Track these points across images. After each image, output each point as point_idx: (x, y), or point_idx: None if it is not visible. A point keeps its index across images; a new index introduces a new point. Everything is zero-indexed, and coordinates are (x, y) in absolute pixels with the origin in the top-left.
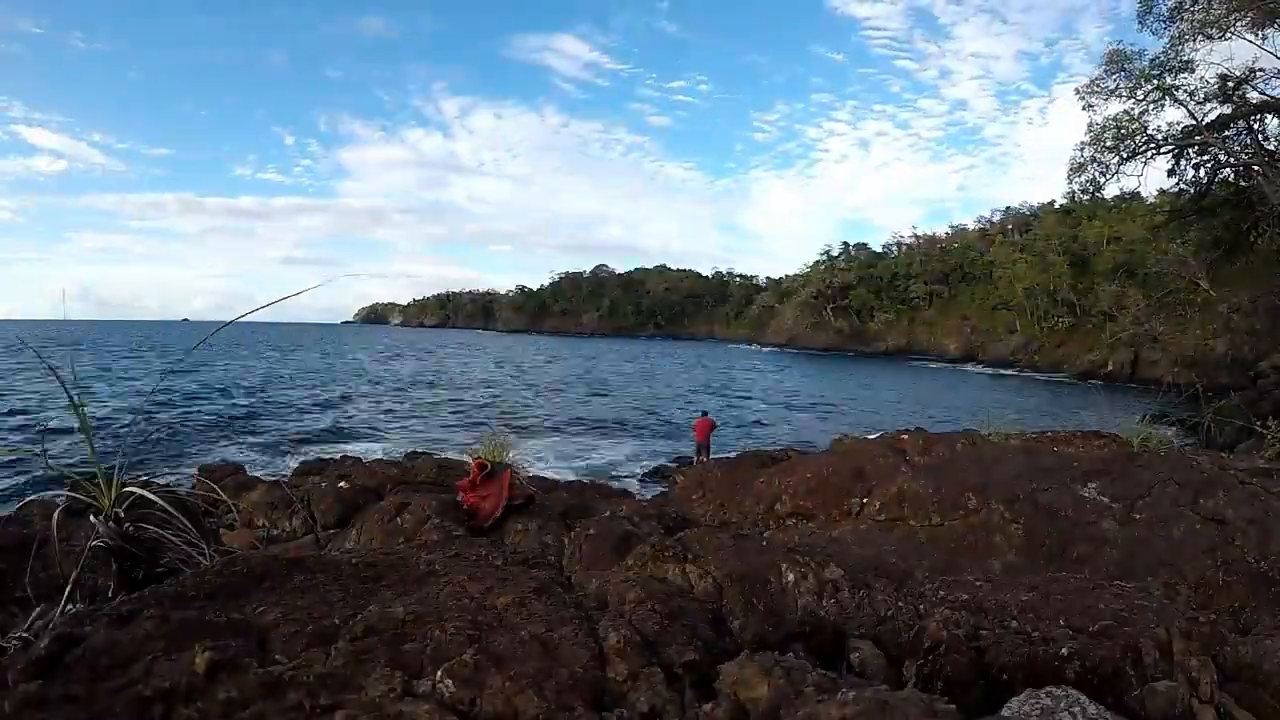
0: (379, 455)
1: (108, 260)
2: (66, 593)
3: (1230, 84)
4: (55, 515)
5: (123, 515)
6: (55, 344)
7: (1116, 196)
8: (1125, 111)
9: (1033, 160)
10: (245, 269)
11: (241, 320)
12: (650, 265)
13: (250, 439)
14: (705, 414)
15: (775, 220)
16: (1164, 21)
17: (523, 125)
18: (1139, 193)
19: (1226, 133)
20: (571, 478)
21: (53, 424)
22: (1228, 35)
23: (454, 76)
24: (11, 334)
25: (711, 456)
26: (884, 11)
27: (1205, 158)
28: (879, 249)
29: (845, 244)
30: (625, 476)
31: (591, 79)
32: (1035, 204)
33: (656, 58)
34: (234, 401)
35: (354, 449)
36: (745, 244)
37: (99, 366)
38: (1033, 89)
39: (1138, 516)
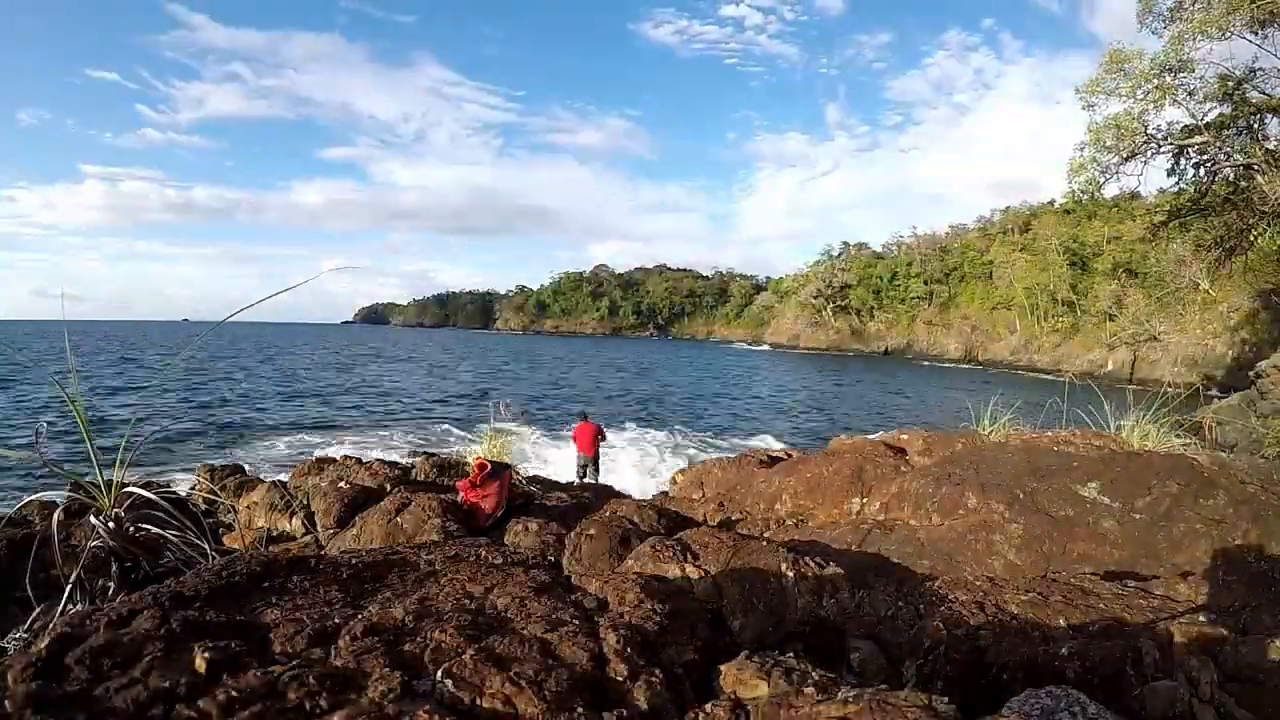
0: (379, 455)
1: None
2: (66, 593)
3: (1230, 84)
4: (55, 515)
5: (123, 515)
6: (52, 344)
7: (1116, 196)
8: (1125, 111)
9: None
10: (239, 269)
11: (238, 320)
12: (650, 265)
13: (250, 439)
14: (587, 417)
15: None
16: (1164, 21)
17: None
18: (1139, 192)
19: (1226, 133)
20: (571, 478)
21: (52, 424)
22: (1228, 35)
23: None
24: (9, 333)
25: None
26: (700, 29)
27: (1205, 158)
28: (879, 249)
29: (845, 243)
30: (625, 477)
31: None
32: (1035, 204)
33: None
34: (233, 402)
35: (354, 449)
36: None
37: (99, 366)
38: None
39: (1137, 516)
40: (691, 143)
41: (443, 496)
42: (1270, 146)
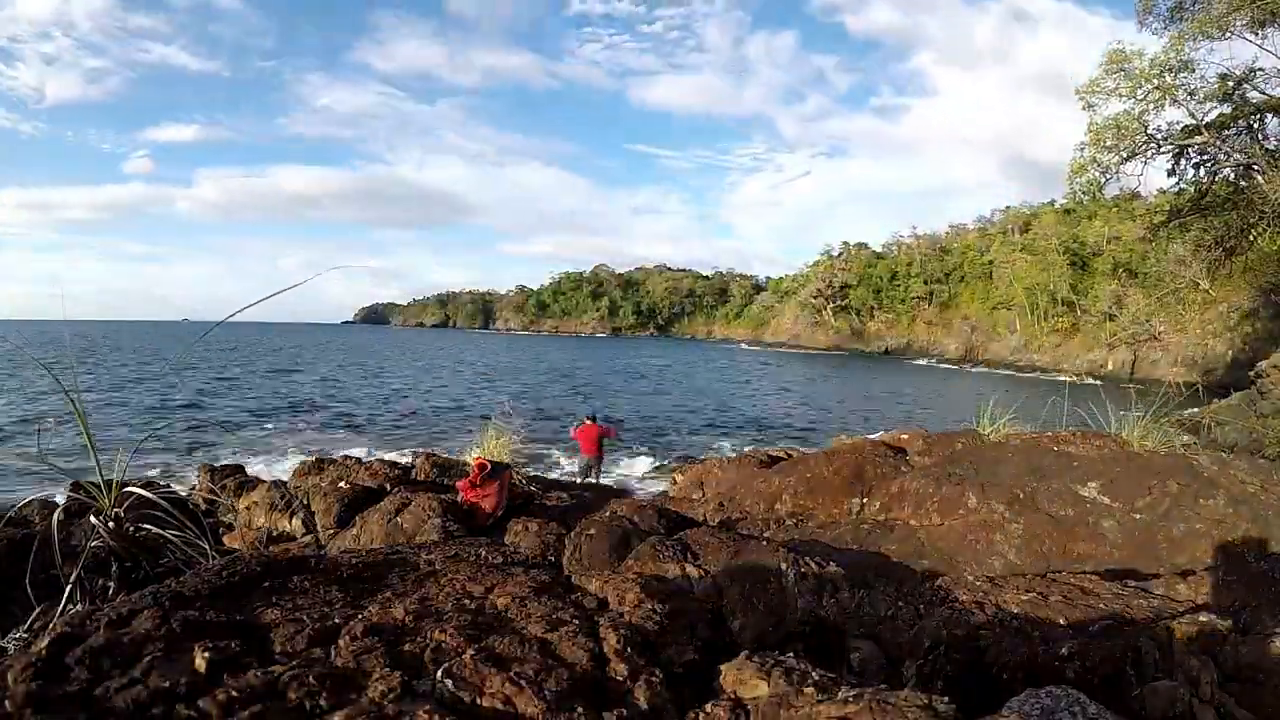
0: (379, 455)
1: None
2: (66, 593)
3: (1230, 84)
4: (55, 515)
5: (123, 515)
6: (53, 344)
7: (1116, 196)
8: (1125, 111)
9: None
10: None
11: (238, 320)
12: (650, 265)
13: (252, 439)
14: (594, 418)
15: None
16: (1164, 21)
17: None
18: (1139, 193)
19: (1226, 133)
20: (571, 478)
21: (53, 424)
22: (1228, 35)
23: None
24: (6, 333)
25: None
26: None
27: (1205, 158)
28: (879, 248)
29: (845, 243)
30: (625, 476)
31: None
32: (1035, 204)
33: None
34: (233, 402)
35: (354, 449)
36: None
37: (99, 366)
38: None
39: (1138, 516)
40: (651, 148)
41: (443, 496)
42: (1270, 146)
